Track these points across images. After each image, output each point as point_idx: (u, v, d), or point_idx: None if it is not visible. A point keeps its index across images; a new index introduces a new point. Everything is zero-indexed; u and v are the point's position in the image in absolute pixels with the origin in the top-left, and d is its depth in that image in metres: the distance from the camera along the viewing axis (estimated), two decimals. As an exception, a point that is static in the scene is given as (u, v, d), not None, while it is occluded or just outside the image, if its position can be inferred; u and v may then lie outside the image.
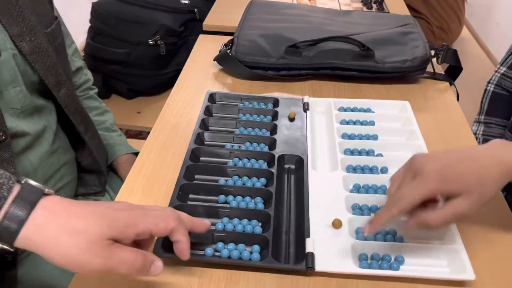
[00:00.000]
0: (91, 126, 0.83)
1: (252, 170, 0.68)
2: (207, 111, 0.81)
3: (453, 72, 0.98)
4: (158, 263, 0.45)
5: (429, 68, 0.96)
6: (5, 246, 0.42)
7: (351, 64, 0.91)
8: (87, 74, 0.97)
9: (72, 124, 0.77)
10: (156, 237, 0.53)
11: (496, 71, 1.02)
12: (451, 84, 0.97)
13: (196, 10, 1.57)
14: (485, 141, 1.02)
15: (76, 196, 0.85)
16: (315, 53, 0.93)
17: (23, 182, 0.43)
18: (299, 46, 0.94)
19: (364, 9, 1.32)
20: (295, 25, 1.03)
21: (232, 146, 0.73)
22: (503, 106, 1.01)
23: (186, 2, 1.55)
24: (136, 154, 0.92)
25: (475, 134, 1.04)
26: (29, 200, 0.42)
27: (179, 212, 0.49)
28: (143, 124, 1.48)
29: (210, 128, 0.78)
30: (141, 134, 1.71)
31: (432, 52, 0.96)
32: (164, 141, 0.76)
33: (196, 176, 0.67)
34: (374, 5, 1.34)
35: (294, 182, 0.68)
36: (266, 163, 0.70)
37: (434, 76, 0.96)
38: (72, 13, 1.98)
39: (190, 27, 1.56)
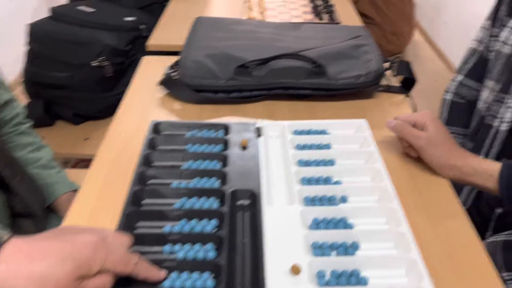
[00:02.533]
0: (19, 169, 0.74)
1: (202, 211, 0.61)
2: (151, 144, 0.74)
3: (407, 83, 0.96)
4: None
5: (384, 81, 0.93)
6: None
7: (304, 83, 0.87)
8: (18, 107, 0.88)
9: None
10: None
11: (453, 80, 1.01)
12: (406, 96, 0.94)
13: (141, 27, 1.49)
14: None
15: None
16: (266, 73, 0.88)
17: None
18: (249, 66, 0.88)
19: (316, 20, 1.29)
20: (244, 43, 0.97)
21: (180, 183, 0.67)
22: (462, 115, 0.99)
23: (130, 19, 1.46)
24: (79, 192, 0.84)
25: (435, 144, 1.01)
26: None
27: (139, 259, 0.50)
28: (91, 152, 1.37)
29: (154, 164, 0.71)
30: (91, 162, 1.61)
31: (386, 65, 0.93)
32: (102, 181, 0.69)
33: (138, 223, 0.60)
34: (325, 16, 1.31)
35: (249, 220, 0.62)
36: (218, 200, 0.64)
37: (389, 89, 0.93)
38: (9, 36, 1.85)
39: (137, 45, 1.48)
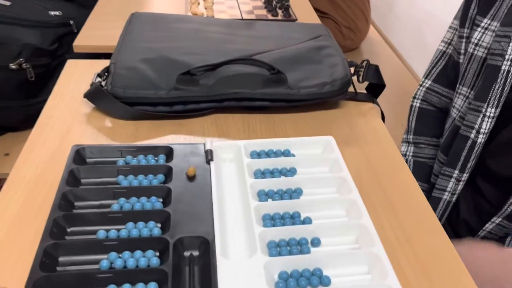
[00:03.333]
0: None
1: (137, 272, 0.47)
2: (72, 178, 0.58)
3: (374, 88, 0.85)
4: None
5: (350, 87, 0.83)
6: None
7: (261, 93, 0.74)
8: None
9: None
10: None
11: (420, 85, 0.92)
12: (374, 103, 0.84)
13: (72, 22, 1.30)
14: (416, 163, 0.91)
15: None
16: (215, 81, 0.74)
17: None
18: (195, 73, 0.74)
19: (269, 16, 1.16)
20: (189, 45, 0.83)
21: (108, 231, 0.52)
22: (431, 123, 0.91)
23: (57, 13, 1.27)
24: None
25: (404, 155, 0.93)
26: None
27: None
28: (13, 170, 1.18)
29: (76, 205, 0.56)
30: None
31: (352, 70, 0.82)
32: (11, 223, 0.53)
33: (51, 295, 0.45)
34: (279, 11, 1.18)
35: (199, 278, 0.49)
36: (158, 254, 0.50)
37: (356, 97, 0.83)
38: None
39: (67, 43, 1.28)
